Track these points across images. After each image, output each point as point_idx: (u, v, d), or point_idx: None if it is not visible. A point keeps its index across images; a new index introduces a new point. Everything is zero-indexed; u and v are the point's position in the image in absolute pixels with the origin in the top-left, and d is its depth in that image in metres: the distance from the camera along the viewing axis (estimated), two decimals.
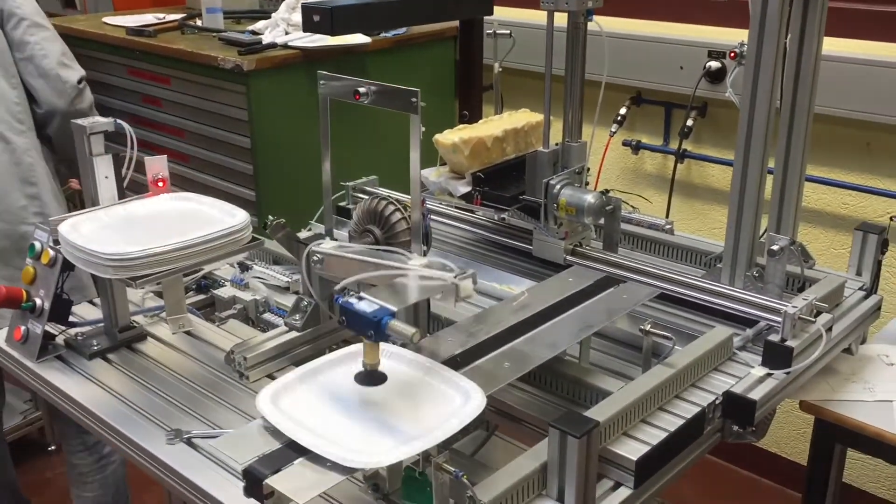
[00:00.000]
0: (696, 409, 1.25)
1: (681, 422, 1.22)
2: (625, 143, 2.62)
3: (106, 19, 3.02)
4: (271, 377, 1.36)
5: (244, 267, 1.68)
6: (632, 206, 2.12)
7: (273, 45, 2.51)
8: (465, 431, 1.05)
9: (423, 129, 1.24)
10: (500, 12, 2.23)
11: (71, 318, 1.48)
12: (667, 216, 2.43)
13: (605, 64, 1.56)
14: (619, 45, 2.48)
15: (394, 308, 1.03)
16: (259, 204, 2.54)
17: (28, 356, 1.41)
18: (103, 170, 1.37)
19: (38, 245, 1.41)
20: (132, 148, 1.44)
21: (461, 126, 1.70)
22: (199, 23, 2.89)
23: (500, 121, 1.75)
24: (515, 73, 2.62)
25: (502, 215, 1.64)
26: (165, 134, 2.82)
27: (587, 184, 1.65)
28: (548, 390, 1.32)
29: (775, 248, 1.50)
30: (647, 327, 1.30)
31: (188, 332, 1.50)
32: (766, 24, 1.46)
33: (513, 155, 1.72)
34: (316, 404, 1.08)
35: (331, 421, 1.05)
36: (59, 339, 1.46)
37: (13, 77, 2.14)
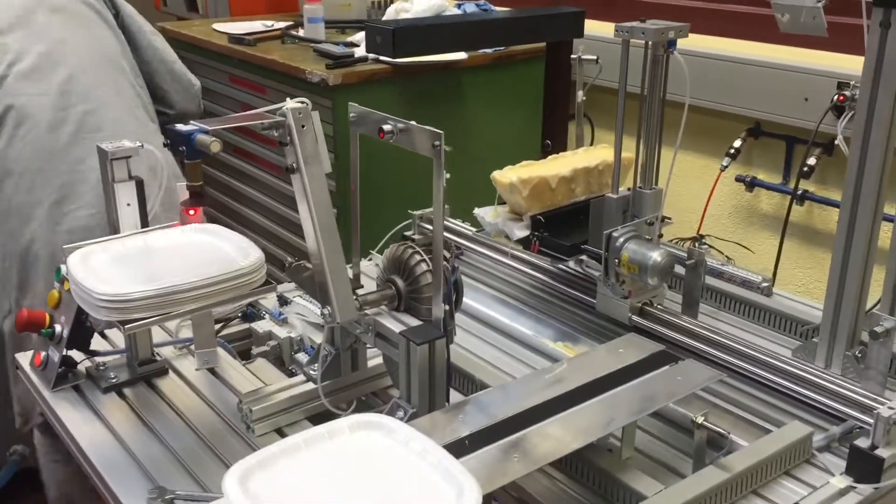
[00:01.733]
0: None
1: None
2: (738, 179, 2.36)
3: (216, 26, 3.02)
4: (280, 432, 1.26)
5: (283, 300, 1.59)
6: (727, 257, 1.89)
7: (364, 59, 2.42)
8: None
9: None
10: (591, 27, 2.01)
11: (99, 346, 1.43)
12: (776, 263, 2.17)
13: (688, 86, 1.37)
14: (739, 71, 2.24)
15: (207, 128, 1.05)
16: (339, 222, 2.45)
17: (45, 384, 1.36)
18: (125, 197, 1.30)
19: (63, 269, 1.36)
20: (161, 183, 1.37)
21: (525, 162, 1.54)
22: (301, 32, 2.84)
23: (572, 157, 1.58)
24: (609, 93, 2.43)
25: (560, 265, 1.47)
26: (260, 144, 2.79)
27: (661, 235, 1.45)
28: (577, 480, 1.15)
29: (880, 329, 1.26)
30: (700, 419, 1.10)
31: (212, 370, 1.42)
32: (885, 60, 1.23)
33: (583, 197, 1.54)
34: (291, 487, 0.96)
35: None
36: (83, 367, 1.41)
37: (139, 76, 2.21)
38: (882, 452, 1.11)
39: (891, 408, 1.12)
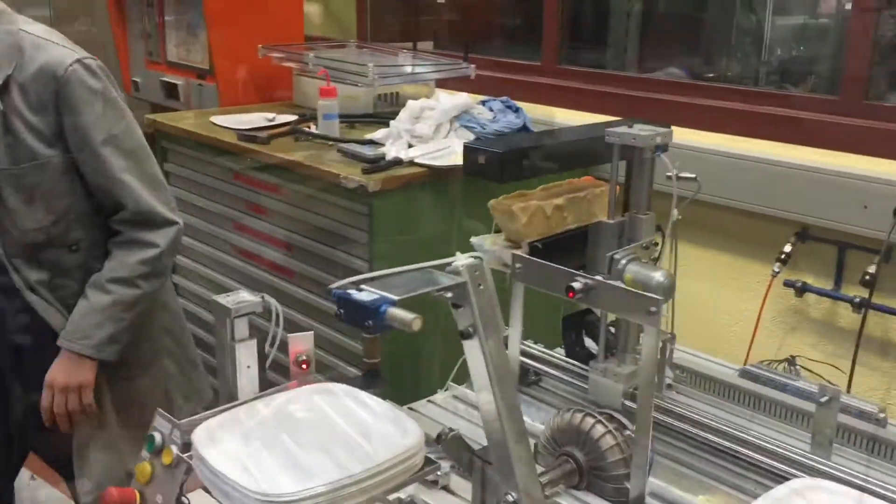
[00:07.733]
0: None
1: None
2: (786, 284, 2.30)
3: (215, 119, 2.85)
4: None
5: None
6: (828, 381, 1.81)
7: (398, 162, 2.29)
8: None
9: None
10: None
11: None
12: (850, 381, 2.09)
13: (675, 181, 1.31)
14: (784, 175, 2.21)
15: (394, 297, 0.91)
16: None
17: None
18: (246, 358, 1.12)
19: (158, 438, 1.17)
20: (277, 325, 1.20)
21: (518, 192, 1.49)
22: (312, 128, 2.70)
23: (560, 187, 1.54)
24: (704, 206, 2.31)
25: None
26: (267, 244, 2.61)
27: (656, 260, 1.40)
28: None
29: None
30: None
31: None
32: None
33: (574, 225, 1.49)
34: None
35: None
36: None
37: None
38: None
39: None
